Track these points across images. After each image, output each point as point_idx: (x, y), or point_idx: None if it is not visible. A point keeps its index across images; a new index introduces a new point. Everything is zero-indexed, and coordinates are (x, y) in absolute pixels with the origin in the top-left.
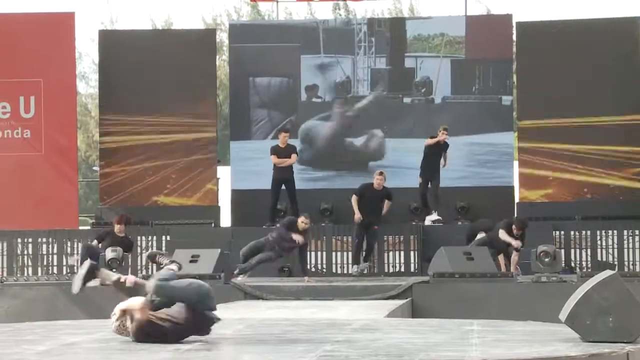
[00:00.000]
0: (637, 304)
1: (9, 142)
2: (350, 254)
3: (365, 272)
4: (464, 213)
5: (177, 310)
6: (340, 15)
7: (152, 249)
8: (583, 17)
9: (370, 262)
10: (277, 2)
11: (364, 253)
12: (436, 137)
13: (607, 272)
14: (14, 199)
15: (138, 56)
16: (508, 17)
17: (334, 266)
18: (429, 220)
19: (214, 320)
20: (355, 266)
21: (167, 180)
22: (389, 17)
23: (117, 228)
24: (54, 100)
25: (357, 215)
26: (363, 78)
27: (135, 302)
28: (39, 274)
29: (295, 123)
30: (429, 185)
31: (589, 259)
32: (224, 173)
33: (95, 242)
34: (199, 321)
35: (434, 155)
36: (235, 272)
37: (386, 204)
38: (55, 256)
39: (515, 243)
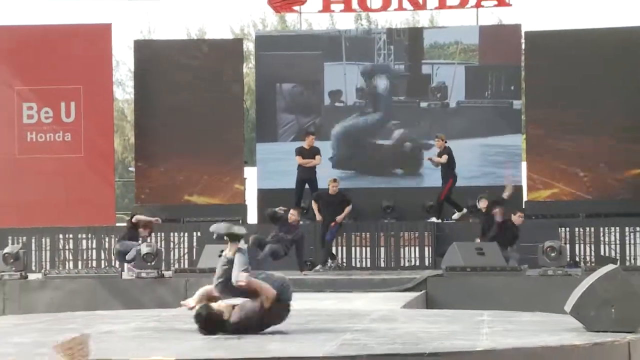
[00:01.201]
0: (638, 296)
1: (51, 145)
2: (368, 249)
3: (331, 267)
4: (475, 211)
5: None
6: (361, 25)
7: (183, 244)
8: (590, 27)
9: (332, 260)
10: (301, 13)
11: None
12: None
13: (610, 266)
14: (56, 198)
15: (170, 63)
16: (517, 27)
17: (353, 260)
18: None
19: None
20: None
21: (198, 180)
22: (407, 27)
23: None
24: (92, 106)
25: (318, 217)
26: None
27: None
28: (79, 267)
29: (319, 125)
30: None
31: (592, 253)
32: (250, 173)
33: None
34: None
35: None
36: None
37: (346, 210)
38: (94, 251)
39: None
